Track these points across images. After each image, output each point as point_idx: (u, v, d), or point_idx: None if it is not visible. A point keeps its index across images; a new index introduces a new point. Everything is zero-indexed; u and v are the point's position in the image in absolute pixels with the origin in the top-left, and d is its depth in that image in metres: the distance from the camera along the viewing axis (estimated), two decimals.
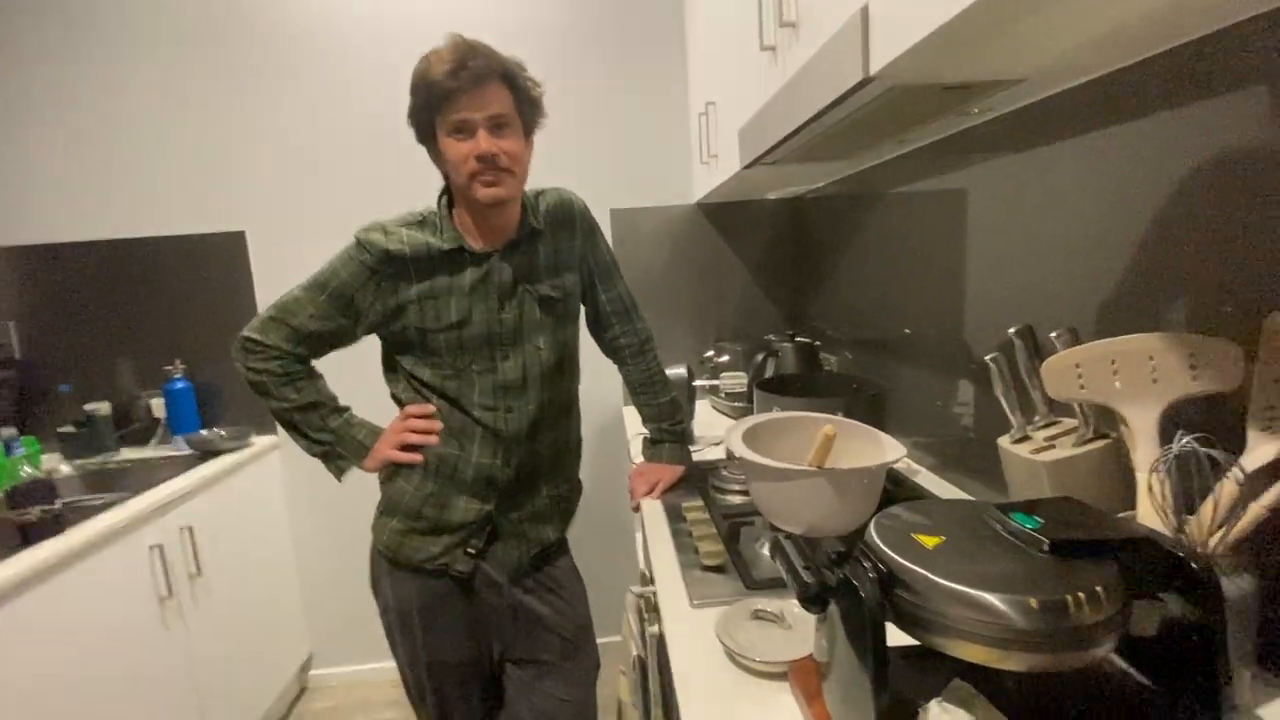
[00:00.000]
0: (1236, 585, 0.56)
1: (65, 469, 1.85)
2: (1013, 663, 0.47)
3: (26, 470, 1.62)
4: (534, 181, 1.11)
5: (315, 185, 2.01)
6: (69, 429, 1.92)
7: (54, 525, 1.31)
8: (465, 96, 0.95)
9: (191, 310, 2.03)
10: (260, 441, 2.02)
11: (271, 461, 2.06)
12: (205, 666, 1.65)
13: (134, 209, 1.99)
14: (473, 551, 1.09)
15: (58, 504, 1.37)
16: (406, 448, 1.08)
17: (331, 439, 1.11)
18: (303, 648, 2.17)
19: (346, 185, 2.01)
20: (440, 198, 1.10)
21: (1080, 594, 0.46)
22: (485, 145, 0.96)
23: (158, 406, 2.01)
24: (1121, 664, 0.58)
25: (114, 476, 1.79)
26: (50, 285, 1.99)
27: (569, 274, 1.14)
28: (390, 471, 1.12)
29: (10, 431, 1.71)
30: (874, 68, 0.68)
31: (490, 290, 1.06)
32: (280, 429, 1.14)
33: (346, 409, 1.15)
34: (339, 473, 1.14)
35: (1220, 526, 0.57)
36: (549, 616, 1.15)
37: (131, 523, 1.44)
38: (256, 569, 1.94)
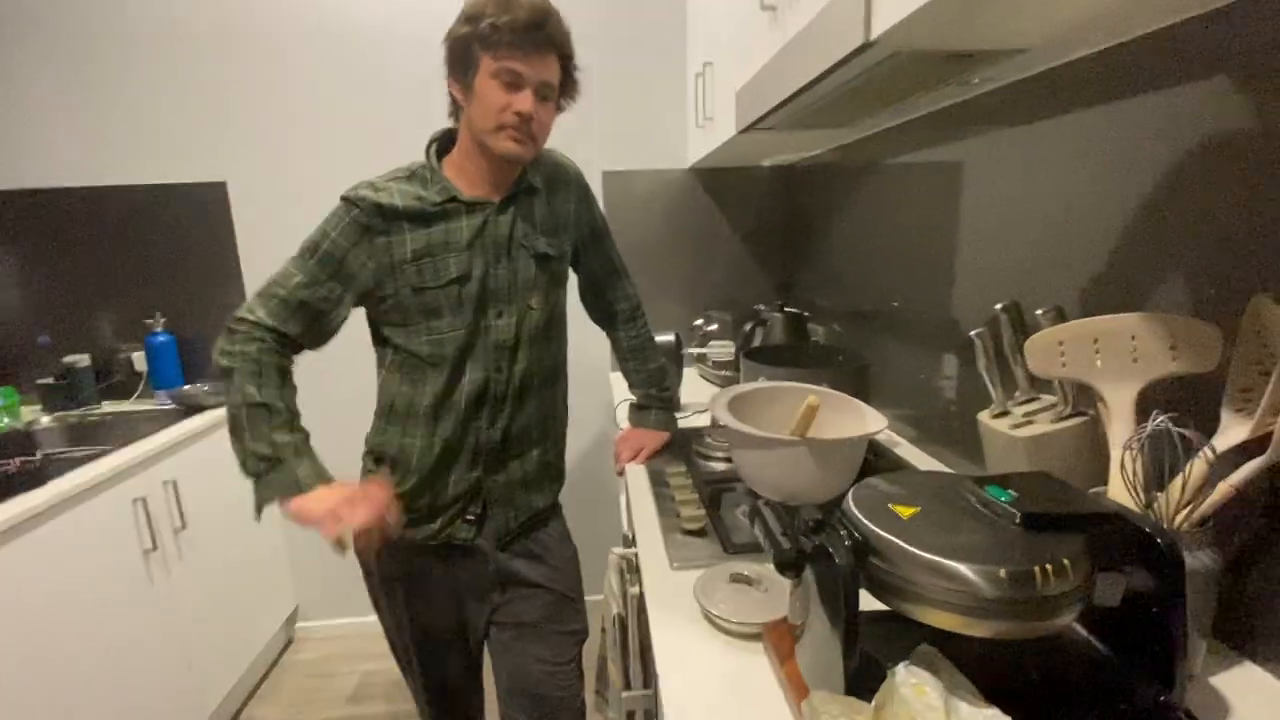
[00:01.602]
0: (1199, 560, 0.58)
1: (45, 421, 1.83)
2: (979, 629, 0.49)
3: (5, 422, 1.60)
4: None
5: (298, 137, 1.95)
6: (48, 381, 1.90)
7: (34, 477, 1.31)
8: (524, 51, 0.92)
9: (173, 262, 1.99)
10: None
11: None
12: (192, 618, 1.67)
13: (113, 155, 1.93)
14: (471, 518, 1.08)
15: (38, 455, 1.36)
16: (341, 538, 0.90)
17: (269, 454, 0.94)
18: (289, 600, 2.20)
19: (331, 138, 1.95)
20: (429, 147, 1.05)
21: (1047, 565, 0.47)
22: (529, 106, 0.94)
23: (139, 360, 1.99)
24: (1084, 633, 0.60)
25: (95, 429, 1.78)
26: (27, 233, 1.94)
27: (564, 235, 1.12)
28: (370, 464, 1.09)
29: None
30: (875, 32, 0.66)
31: (487, 244, 1.02)
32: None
33: (303, 431, 0.98)
34: (258, 504, 0.96)
35: (1188, 504, 0.59)
36: (535, 580, 1.15)
37: (114, 475, 1.44)
38: (242, 523, 1.95)
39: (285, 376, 0.99)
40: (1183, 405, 0.62)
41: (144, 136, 1.92)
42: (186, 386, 1.95)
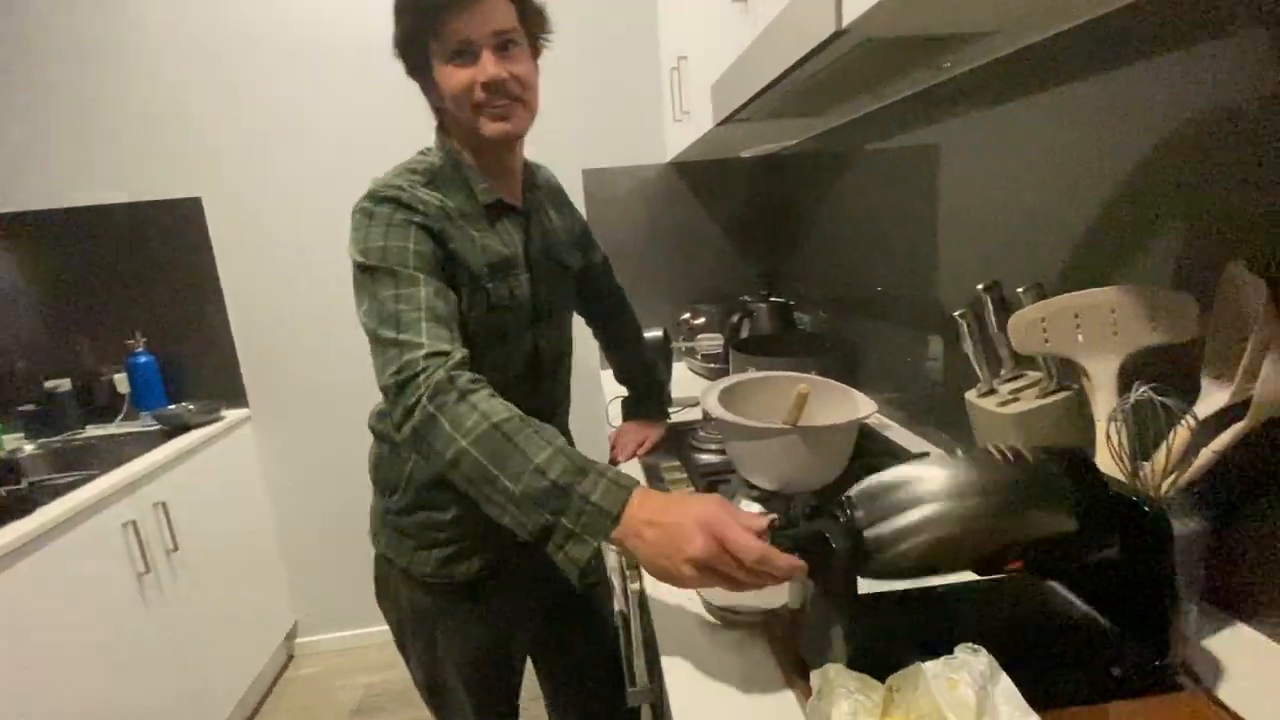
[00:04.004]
0: (1186, 525, 0.59)
1: (29, 449, 1.80)
2: (959, 526, 0.51)
3: None
4: None
5: (271, 149, 1.92)
6: (29, 408, 1.86)
7: (22, 505, 1.28)
8: (461, 7, 0.78)
9: (151, 281, 1.96)
10: (232, 415, 1.99)
11: (244, 434, 2.03)
12: (189, 640, 1.65)
13: (83, 175, 1.89)
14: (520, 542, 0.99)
15: (24, 483, 1.34)
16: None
17: (549, 481, 0.64)
18: (287, 617, 2.18)
19: (304, 148, 1.92)
20: (443, 139, 0.90)
21: (1003, 448, 0.49)
22: (493, 70, 0.80)
23: (121, 382, 1.96)
24: (1078, 602, 0.61)
25: (80, 454, 1.75)
26: None
27: (574, 243, 1.06)
28: (411, 502, 0.93)
29: None
30: (846, 20, 0.67)
31: (536, 258, 0.92)
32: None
33: (560, 436, 0.70)
34: (579, 566, 0.65)
35: (1173, 471, 0.60)
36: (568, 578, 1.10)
37: (102, 500, 1.42)
38: (236, 542, 1.93)
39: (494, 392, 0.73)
40: (1164, 375, 0.63)
41: (113, 155, 1.89)
42: (171, 406, 1.93)
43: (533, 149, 1.16)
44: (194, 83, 1.87)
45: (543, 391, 0.99)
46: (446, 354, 0.72)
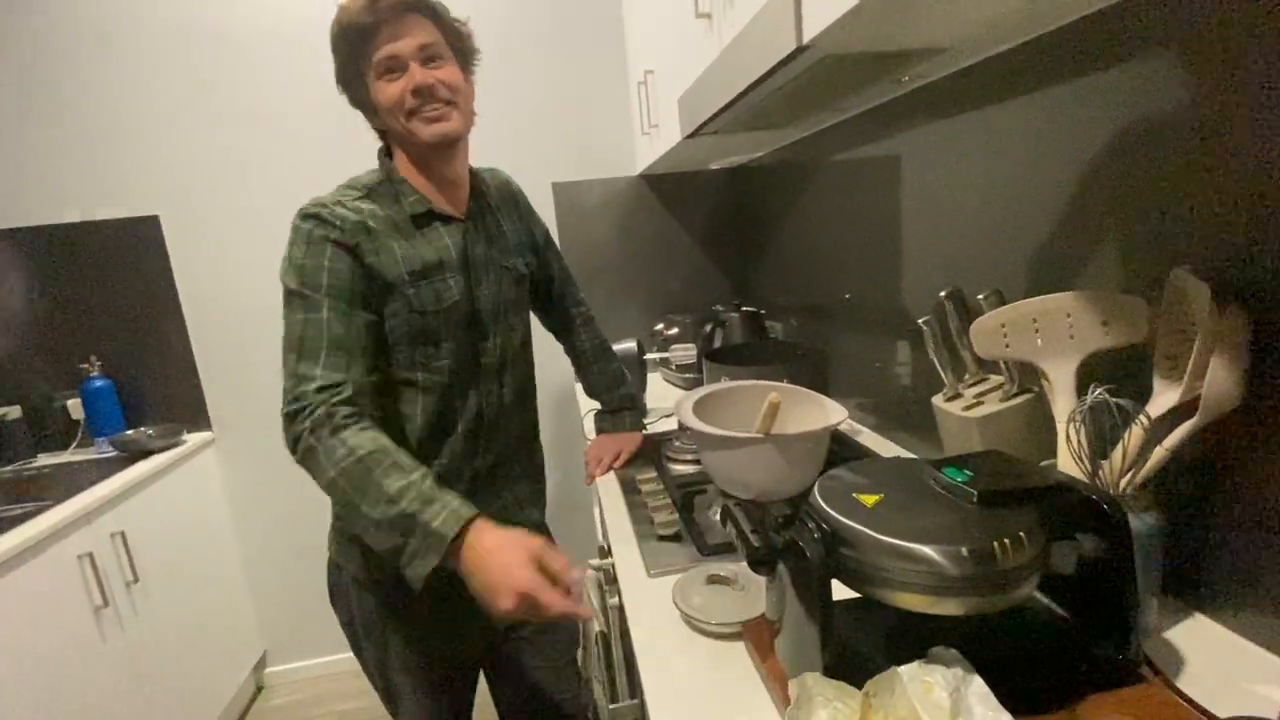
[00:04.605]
0: (1144, 522, 0.61)
1: None
2: (947, 607, 0.50)
3: None
4: (474, 158, 1.06)
5: (230, 165, 1.88)
6: None
7: None
8: (386, 29, 0.86)
9: (106, 303, 1.90)
10: (193, 439, 1.93)
11: (207, 459, 1.97)
12: (151, 675, 1.59)
13: (30, 194, 1.83)
14: None
15: None
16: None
17: (393, 512, 0.76)
18: (256, 646, 2.11)
19: (264, 164, 1.89)
20: (381, 156, 0.98)
21: (1005, 540, 0.49)
22: (420, 76, 0.87)
23: (75, 408, 1.89)
24: (1044, 600, 0.63)
25: (32, 484, 1.68)
26: None
27: (528, 250, 1.10)
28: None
29: None
30: (807, 36, 0.68)
31: (475, 262, 0.97)
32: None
33: (421, 469, 0.81)
34: (417, 577, 0.78)
35: (1129, 469, 0.62)
36: None
37: (55, 532, 1.36)
38: (200, 570, 1.87)
39: (375, 423, 0.84)
40: (1119, 376, 0.65)
41: (65, 171, 1.83)
42: (129, 431, 1.86)
43: (503, 162, 1.17)
44: (150, 96, 1.83)
45: (487, 393, 1.00)
46: (337, 386, 0.82)
